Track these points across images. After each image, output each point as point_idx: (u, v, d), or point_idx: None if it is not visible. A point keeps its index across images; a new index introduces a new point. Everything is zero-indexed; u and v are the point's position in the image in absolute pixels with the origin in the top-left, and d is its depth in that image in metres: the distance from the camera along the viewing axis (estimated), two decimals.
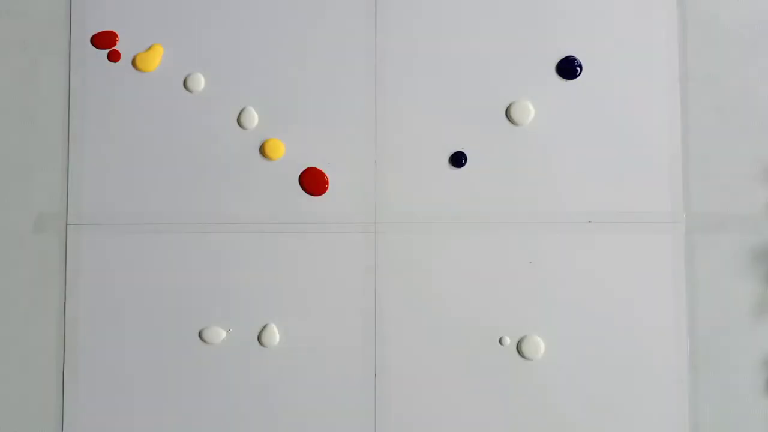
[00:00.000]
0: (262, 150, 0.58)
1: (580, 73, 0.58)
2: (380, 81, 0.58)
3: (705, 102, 0.58)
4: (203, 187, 0.58)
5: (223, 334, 0.57)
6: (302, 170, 0.58)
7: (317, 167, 0.58)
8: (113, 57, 0.58)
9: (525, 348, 0.56)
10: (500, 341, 0.57)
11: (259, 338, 0.57)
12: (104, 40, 0.59)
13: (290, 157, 0.58)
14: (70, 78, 0.58)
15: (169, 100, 0.58)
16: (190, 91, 0.58)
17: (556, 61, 0.58)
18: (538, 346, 0.56)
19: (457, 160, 0.57)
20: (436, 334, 0.57)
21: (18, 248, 0.57)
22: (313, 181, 0.58)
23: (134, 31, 0.59)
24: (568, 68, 0.58)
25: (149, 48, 0.58)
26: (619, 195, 0.57)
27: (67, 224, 0.58)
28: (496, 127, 0.58)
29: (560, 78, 0.58)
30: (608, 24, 0.58)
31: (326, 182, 0.58)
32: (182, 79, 0.58)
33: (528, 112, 0.58)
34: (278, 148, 0.58)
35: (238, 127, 0.58)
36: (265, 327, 0.57)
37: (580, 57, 0.58)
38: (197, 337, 0.57)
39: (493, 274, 0.57)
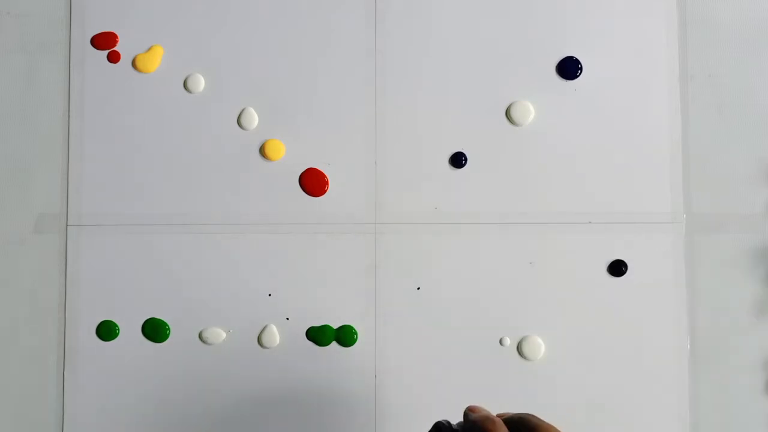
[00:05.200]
0: (262, 150, 0.58)
1: (580, 73, 0.58)
2: (380, 81, 0.58)
3: (705, 102, 0.58)
4: (203, 188, 0.58)
5: (224, 334, 0.57)
6: (302, 170, 0.58)
7: (317, 167, 0.58)
8: (113, 58, 0.58)
9: (525, 348, 0.56)
10: (500, 342, 0.57)
11: (259, 339, 0.57)
12: (104, 41, 0.58)
13: (290, 157, 0.58)
14: (70, 78, 0.58)
15: (169, 101, 0.58)
16: (190, 92, 0.58)
17: (556, 61, 0.58)
18: (538, 346, 0.56)
19: (457, 160, 0.57)
20: (436, 334, 0.57)
21: (18, 249, 0.58)
22: (313, 182, 0.58)
23: (134, 32, 0.59)
24: (568, 68, 0.58)
25: (149, 49, 0.58)
26: (619, 195, 0.57)
27: (67, 225, 0.58)
28: (496, 127, 0.58)
29: (560, 78, 0.58)
30: (608, 24, 0.58)
31: (326, 182, 0.58)
32: (182, 80, 0.58)
33: (528, 112, 0.58)
34: (278, 149, 0.58)
35: (238, 127, 0.58)
36: (265, 328, 0.57)
37: (580, 57, 0.58)
38: (197, 338, 0.57)
39: (493, 274, 0.57)
